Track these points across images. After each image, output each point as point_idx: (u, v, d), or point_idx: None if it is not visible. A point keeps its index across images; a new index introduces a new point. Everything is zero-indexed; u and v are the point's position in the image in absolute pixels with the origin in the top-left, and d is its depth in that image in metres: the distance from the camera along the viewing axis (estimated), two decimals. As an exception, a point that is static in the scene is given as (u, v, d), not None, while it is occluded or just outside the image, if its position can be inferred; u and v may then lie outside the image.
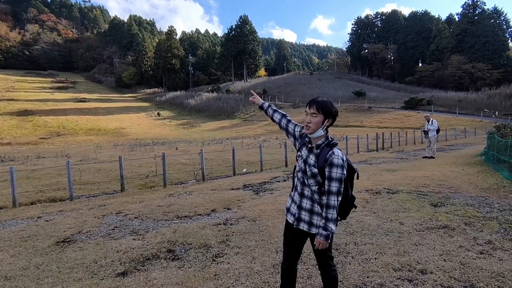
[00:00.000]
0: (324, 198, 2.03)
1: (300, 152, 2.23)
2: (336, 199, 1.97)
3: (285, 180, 8.63)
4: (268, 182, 8.42)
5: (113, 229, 4.81)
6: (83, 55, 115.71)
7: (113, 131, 43.71)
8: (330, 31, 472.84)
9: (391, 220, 4.54)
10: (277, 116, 2.52)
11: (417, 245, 3.61)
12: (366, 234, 4.00)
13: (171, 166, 12.00)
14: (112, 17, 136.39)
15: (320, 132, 2.10)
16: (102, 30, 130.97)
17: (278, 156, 14.35)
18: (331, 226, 1.98)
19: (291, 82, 77.17)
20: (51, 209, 6.76)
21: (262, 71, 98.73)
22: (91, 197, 8.35)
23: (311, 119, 2.10)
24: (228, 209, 5.64)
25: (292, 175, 2.48)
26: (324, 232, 1.99)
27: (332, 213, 1.97)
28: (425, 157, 12.45)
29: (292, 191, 2.32)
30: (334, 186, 1.96)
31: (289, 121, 2.44)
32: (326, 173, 1.98)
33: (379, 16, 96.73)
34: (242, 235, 4.14)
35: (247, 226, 4.52)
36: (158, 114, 57.49)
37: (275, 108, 2.60)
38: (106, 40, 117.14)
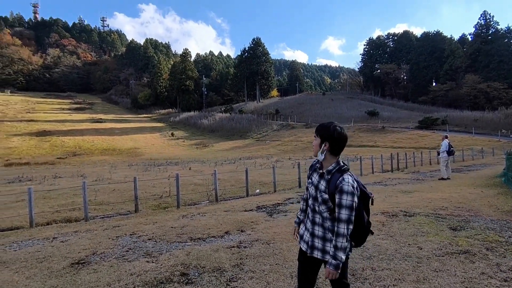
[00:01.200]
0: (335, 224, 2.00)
1: (311, 178, 2.21)
2: (345, 227, 1.93)
3: (298, 202, 8.54)
4: (281, 203, 8.35)
5: (127, 250, 4.81)
6: (100, 77, 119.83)
7: (127, 151, 44.42)
8: (341, 52, 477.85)
9: (409, 244, 4.41)
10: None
11: (437, 272, 3.48)
12: (384, 259, 3.89)
13: (184, 186, 12.05)
14: (129, 41, 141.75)
15: (320, 155, 2.09)
16: (119, 53, 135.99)
17: (291, 177, 14.26)
18: (341, 255, 1.93)
19: (303, 102, 77.58)
20: (66, 230, 6.84)
21: (274, 92, 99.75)
22: (106, 218, 8.42)
23: (314, 142, 2.14)
24: (241, 231, 5.59)
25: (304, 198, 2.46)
26: (333, 262, 1.94)
27: (342, 242, 1.93)
28: (442, 178, 12.16)
29: (305, 217, 2.30)
30: (344, 214, 1.92)
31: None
32: (336, 200, 1.96)
33: (390, 36, 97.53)
34: (256, 259, 4.09)
35: (261, 249, 4.46)
36: (172, 134, 58.27)
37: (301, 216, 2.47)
38: (123, 62, 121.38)
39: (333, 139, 2.06)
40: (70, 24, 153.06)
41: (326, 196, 2.02)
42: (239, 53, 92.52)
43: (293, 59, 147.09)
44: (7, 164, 33.48)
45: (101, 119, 68.88)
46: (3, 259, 4.73)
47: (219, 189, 10.61)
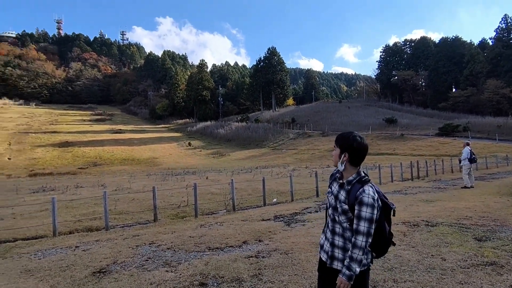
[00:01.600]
0: None
1: (331, 188, 2.19)
2: (364, 240, 1.89)
3: (317, 211, 8.44)
4: (299, 213, 8.28)
5: (147, 260, 4.88)
6: (120, 89, 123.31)
7: (146, 160, 45.16)
8: (356, 59, 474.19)
9: (432, 255, 4.29)
10: None
11: (462, 284, 3.37)
12: (406, 271, 3.79)
13: (201, 195, 12.13)
14: (147, 53, 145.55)
15: (340, 166, 2.07)
16: (138, 65, 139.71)
17: (308, 186, 14.15)
18: (355, 267, 1.90)
19: (319, 111, 77.20)
20: (88, 239, 6.99)
21: (290, 100, 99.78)
22: (126, 227, 8.56)
23: (333, 152, 2.13)
24: (259, 241, 5.57)
25: (325, 207, 2.44)
26: (347, 272, 1.91)
27: (358, 254, 1.90)
28: (465, 187, 11.80)
29: (325, 227, 2.28)
30: (363, 226, 1.89)
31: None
32: (356, 211, 1.92)
33: (408, 43, 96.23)
34: (275, 269, 4.06)
35: (279, 259, 4.43)
36: (189, 144, 58.96)
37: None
38: (142, 74, 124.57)
39: (352, 149, 2.04)
40: (92, 39, 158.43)
41: (346, 206, 2.00)
42: (255, 63, 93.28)
43: (309, 68, 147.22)
44: (31, 174, 34.62)
45: (120, 129, 70.47)
46: (29, 267, 4.88)
47: (236, 198, 10.63)
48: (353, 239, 1.93)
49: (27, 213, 10.56)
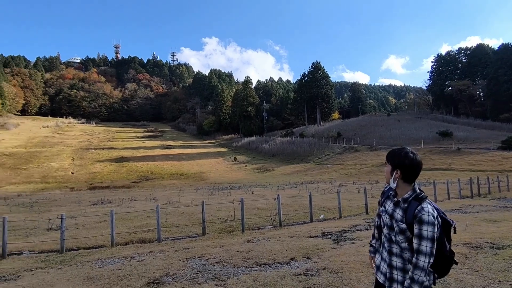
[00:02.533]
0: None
1: (384, 206, 2.12)
2: (426, 260, 1.81)
3: (366, 229, 8.12)
4: (348, 230, 8.02)
5: (197, 273, 5.01)
6: (170, 107, 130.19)
7: (194, 175, 46.65)
8: (404, 70, 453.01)
9: (499, 281, 3.92)
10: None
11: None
12: (469, 297, 3.51)
13: (247, 210, 12.23)
14: (195, 72, 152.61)
15: (392, 183, 2.01)
16: (187, 84, 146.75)
17: (357, 202, 13.67)
18: None
19: (366, 124, 74.76)
20: (142, 250, 7.35)
21: (336, 114, 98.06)
22: (176, 240, 8.87)
23: (385, 168, 2.08)
24: (307, 258, 5.48)
25: (374, 225, 2.36)
26: None
27: (420, 275, 1.81)
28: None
29: (380, 247, 2.20)
30: (424, 246, 1.81)
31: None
32: (415, 230, 1.85)
33: (462, 51, 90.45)
34: (325, 288, 3.96)
35: (329, 278, 4.32)
36: (235, 159, 59.97)
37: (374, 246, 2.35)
38: (190, 92, 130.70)
39: (404, 167, 1.98)
40: (145, 61, 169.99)
41: (403, 225, 1.93)
42: (299, 78, 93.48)
43: (354, 81, 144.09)
44: (91, 187, 37.39)
45: (170, 145, 73.83)
46: (90, 275, 5.24)
47: (282, 214, 10.58)
48: (414, 260, 1.85)
49: (88, 224, 11.37)
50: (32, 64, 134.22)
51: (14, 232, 9.98)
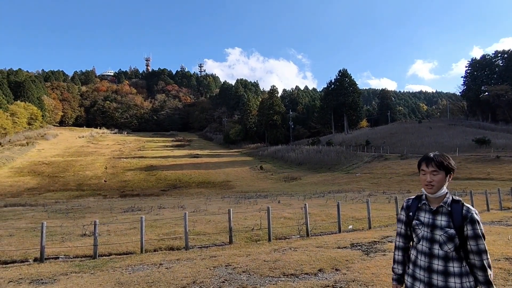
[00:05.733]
0: (464, 264, 1.82)
1: (419, 219, 2.00)
2: (489, 257, 1.80)
3: (397, 240, 7.81)
4: (378, 241, 7.76)
5: (223, 282, 5.00)
6: (197, 116, 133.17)
7: (220, 183, 47.05)
8: (433, 75, 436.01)
9: (546, 300, 3.64)
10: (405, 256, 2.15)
11: None
12: (512, 316, 3.27)
13: (274, 219, 12.14)
14: (222, 82, 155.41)
15: (444, 190, 1.94)
16: (214, 94, 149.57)
17: (387, 213, 13.23)
18: None
19: (396, 132, 72.66)
20: (170, 257, 7.45)
21: (363, 122, 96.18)
22: (203, 248, 8.93)
23: (433, 178, 1.94)
24: (336, 269, 5.34)
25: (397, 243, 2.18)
26: None
27: (491, 273, 1.78)
28: None
29: (408, 267, 2.05)
30: (483, 244, 1.80)
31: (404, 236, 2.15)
32: (469, 231, 1.81)
33: (499, 54, 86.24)
34: (354, 301, 3.84)
35: (358, 291, 4.18)
36: (261, 167, 59.96)
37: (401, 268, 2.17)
38: (217, 102, 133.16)
39: (454, 170, 1.97)
40: (174, 72, 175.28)
41: (451, 231, 1.85)
42: (323, 85, 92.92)
43: (383, 87, 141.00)
44: (122, 195, 38.61)
45: (197, 154, 75.08)
46: (121, 280, 5.37)
47: (309, 223, 10.41)
48: (478, 262, 1.80)
49: (119, 231, 11.70)
50: (69, 78, 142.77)
51: (52, 237, 10.45)
